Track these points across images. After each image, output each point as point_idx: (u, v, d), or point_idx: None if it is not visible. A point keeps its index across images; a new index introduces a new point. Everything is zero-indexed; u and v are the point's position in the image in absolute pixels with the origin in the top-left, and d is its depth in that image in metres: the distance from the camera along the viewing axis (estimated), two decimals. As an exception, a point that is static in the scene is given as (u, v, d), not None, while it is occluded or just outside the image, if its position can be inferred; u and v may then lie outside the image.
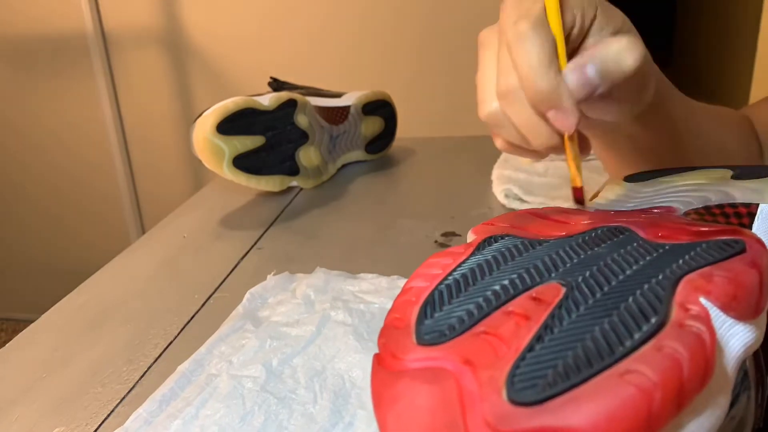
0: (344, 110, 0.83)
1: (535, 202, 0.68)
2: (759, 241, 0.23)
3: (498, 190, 0.71)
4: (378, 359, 0.23)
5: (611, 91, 0.33)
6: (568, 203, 0.66)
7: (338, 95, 0.85)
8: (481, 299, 0.24)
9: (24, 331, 0.51)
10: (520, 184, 0.70)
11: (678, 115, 0.45)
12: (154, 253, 0.63)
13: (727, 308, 0.20)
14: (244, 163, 0.70)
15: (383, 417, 0.21)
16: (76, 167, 1.50)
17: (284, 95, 0.75)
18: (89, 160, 1.48)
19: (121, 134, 1.43)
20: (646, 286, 0.21)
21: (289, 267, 0.57)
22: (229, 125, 0.69)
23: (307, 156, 0.77)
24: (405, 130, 0.95)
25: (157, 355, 0.46)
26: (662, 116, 0.43)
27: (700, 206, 0.28)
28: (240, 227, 0.69)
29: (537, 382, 0.19)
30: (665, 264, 0.22)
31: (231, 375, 0.41)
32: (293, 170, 0.76)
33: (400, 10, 1.16)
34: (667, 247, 0.24)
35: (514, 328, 0.21)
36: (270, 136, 0.73)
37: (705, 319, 0.20)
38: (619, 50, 0.30)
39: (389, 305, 0.47)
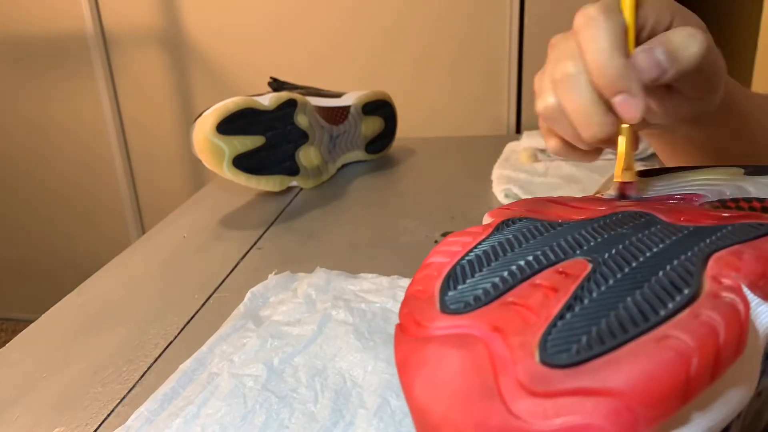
0: (344, 110, 0.83)
1: (535, 202, 0.68)
2: None
3: (498, 190, 0.71)
4: (401, 328, 0.23)
5: (682, 88, 0.33)
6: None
7: (338, 95, 0.85)
8: (506, 273, 0.23)
9: (24, 331, 0.51)
10: (520, 184, 0.70)
11: (745, 111, 0.44)
12: (154, 253, 0.63)
13: (754, 287, 0.20)
14: (244, 163, 0.70)
15: (410, 382, 0.21)
16: (76, 167, 1.50)
17: (284, 95, 0.75)
18: (89, 160, 1.48)
19: (121, 134, 1.43)
20: (675, 262, 0.21)
21: (289, 267, 0.57)
22: (229, 125, 0.69)
23: (307, 156, 0.77)
24: (405, 130, 0.95)
25: (157, 355, 0.46)
26: (728, 115, 0.42)
27: (715, 199, 0.28)
28: (240, 227, 0.69)
29: (571, 346, 0.19)
30: (692, 243, 0.22)
31: (232, 374, 0.41)
32: (293, 170, 0.76)
33: (401, 10, 1.16)
34: (691, 229, 0.24)
35: (543, 299, 0.21)
36: (270, 136, 0.73)
37: (738, 290, 0.19)
38: (686, 36, 0.30)
39: (390, 305, 0.47)
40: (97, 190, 1.50)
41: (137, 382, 0.44)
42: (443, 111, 1.20)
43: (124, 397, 0.42)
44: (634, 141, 0.33)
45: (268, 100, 0.73)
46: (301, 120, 0.76)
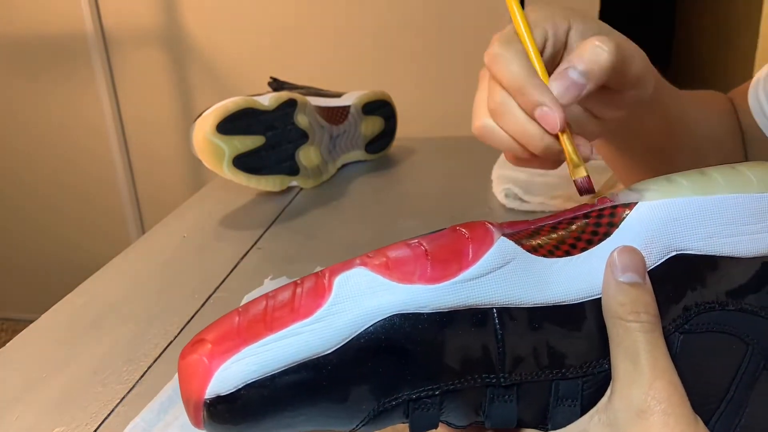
0: (344, 110, 0.83)
1: (534, 201, 0.67)
2: (462, 231, 0.26)
3: (498, 190, 0.71)
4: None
5: (610, 85, 0.36)
6: (569, 203, 0.66)
7: (338, 95, 0.85)
8: None
9: (24, 331, 0.51)
10: (520, 184, 0.70)
11: (672, 106, 0.47)
12: (154, 253, 0.63)
13: (377, 269, 0.25)
14: (244, 163, 0.70)
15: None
16: (76, 167, 1.50)
17: (284, 95, 0.75)
18: (89, 160, 1.48)
19: (121, 134, 1.43)
20: None
21: (288, 267, 0.57)
22: (229, 125, 0.69)
23: (307, 156, 0.77)
24: (405, 130, 0.95)
25: (157, 355, 0.46)
26: (659, 109, 0.45)
27: (585, 211, 0.29)
28: (240, 227, 0.69)
29: None
30: None
31: None
32: (293, 170, 0.76)
33: (401, 10, 1.16)
34: None
35: None
36: (270, 136, 0.73)
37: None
38: (592, 49, 0.33)
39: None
40: (97, 190, 1.50)
41: (137, 382, 0.44)
42: (443, 111, 1.20)
43: (124, 397, 0.42)
44: (583, 148, 0.35)
45: (268, 100, 0.73)
46: (301, 120, 0.76)
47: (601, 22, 0.38)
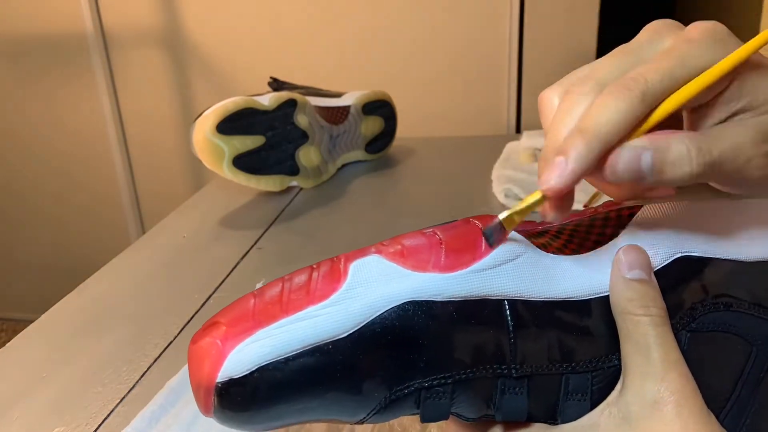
0: (344, 110, 0.83)
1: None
2: (475, 222, 0.26)
3: (498, 190, 0.71)
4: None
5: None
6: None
7: (338, 95, 0.85)
8: None
9: (24, 331, 0.51)
10: (520, 184, 0.70)
11: None
12: (154, 253, 0.63)
13: (391, 257, 0.25)
14: (244, 162, 0.70)
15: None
16: (76, 167, 1.50)
17: (284, 95, 0.75)
18: (89, 159, 1.48)
19: (121, 134, 1.43)
20: None
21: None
22: (229, 125, 0.69)
23: (307, 156, 0.77)
24: (405, 130, 0.95)
25: (157, 355, 0.46)
26: None
27: (591, 215, 0.29)
28: (240, 227, 0.69)
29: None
30: None
31: None
32: (293, 170, 0.76)
33: (401, 10, 1.16)
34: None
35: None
36: (270, 136, 0.73)
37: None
38: (682, 154, 0.25)
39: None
40: (97, 190, 1.50)
41: (137, 382, 0.44)
42: (443, 111, 1.20)
43: (124, 397, 0.42)
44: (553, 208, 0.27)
45: (268, 100, 0.73)
46: (301, 120, 0.76)
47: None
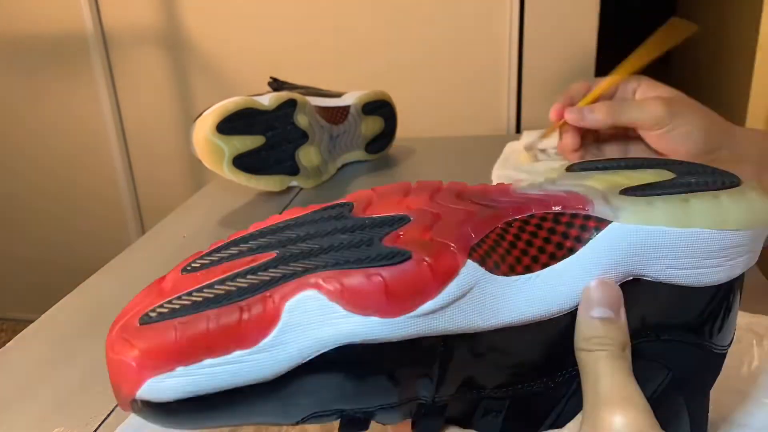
0: (344, 110, 0.83)
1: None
2: (426, 262, 0.24)
3: (498, 190, 0.71)
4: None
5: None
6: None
7: (338, 95, 0.85)
8: (216, 257, 0.28)
9: (24, 331, 0.51)
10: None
11: None
12: (154, 253, 0.63)
13: (331, 296, 0.24)
14: (244, 162, 0.70)
15: None
16: (76, 167, 1.50)
17: (284, 95, 0.75)
18: (89, 159, 1.48)
19: (121, 134, 1.43)
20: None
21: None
22: (229, 125, 0.69)
23: (307, 156, 0.77)
24: (405, 130, 0.94)
25: (157, 355, 0.46)
26: None
27: (559, 210, 0.27)
28: (240, 227, 0.69)
29: (148, 316, 0.25)
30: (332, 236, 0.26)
31: None
32: (293, 170, 0.76)
33: (401, 10, 1.16)
34: (351, 223, 0.27)
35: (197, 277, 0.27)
36: (270, 136, 0.73)
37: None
38: (600, 106, 0.44)
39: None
40: (97, 190, 1.50)
41: (137, 382, 0.44)
42: (443, 111, 1.20)
43: (124, 397, 0.42)
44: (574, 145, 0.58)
45: (268, 100, 0.73)
46: (301, 120, 0.76)
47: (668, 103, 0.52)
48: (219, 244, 0.29)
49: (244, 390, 0.24)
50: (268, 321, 0.23)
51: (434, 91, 1.19)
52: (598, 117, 0.54)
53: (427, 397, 0.26)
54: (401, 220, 0.26)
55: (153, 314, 0.25)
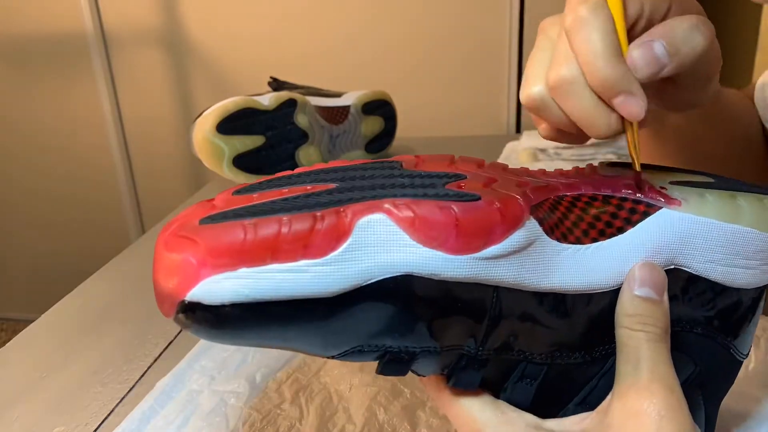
0: (344, 110, 0.83)
1: (535, 201, 0.67)
2: (496, 205, 0.24)
3: (498, 189, 0.71)
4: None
5: (679, 79, 0.31)
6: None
7: (338, 95, 0.85)
8: (269, 184, 0.27)
9: (24, 331, 0.51)
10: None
11: (722, 103, 0.44)
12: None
13: (401, 223, 0.23)
14: (244, 162, 0.70)
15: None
16: (76, 167, 1.50)
17: (284, 95, 0.75)
18: (89, 160, 1.48)
19: (121, 134, 1.43)
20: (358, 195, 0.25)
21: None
22: (229, 125, 0.69)
23: (307, 155, 0.77)
24: (405, 130, 0.94)
25: (157, 355, 0.46)
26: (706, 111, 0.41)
27: (608, 193, 0.28)
28: (240, 227, 0.69)
29: (222, 218, 0.24)
30: (392, 180, 0.26)
31: (213, 391, 0.40)
32: (293, 170, 0.76)
33: (401, 9, 1.16)
34: (407, 173, 0.27)
35: (265, 195, 0.26)
36: (270, 136, 0.73)
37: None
38: (690, 27, 0.28)
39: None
40: (97, 190, 1.50)
41: (137, 381, 0.44)
42: (443, 111, 1.20)
43: (123, 397, 0.42)
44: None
45: (268, 99, 0.73)
46: (301, 120, 0.76)
47: (702, 10, 0.32)
48: (265, 179, 0.27)
49: (302, 304, 0.23)
50: (340, 234, 0.23)
51: (434, 91, 1.19)
52: (697, 45, 0.29)
53: (472, 348, 0.26)
54: (457, 176, 0.27)
55: (216, 216, 0.24)
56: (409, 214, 0.23)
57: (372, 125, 0.86)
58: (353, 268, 0.23)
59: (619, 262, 0.27)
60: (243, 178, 0.71)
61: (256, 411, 0.38)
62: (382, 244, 0.23)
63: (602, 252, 0.27)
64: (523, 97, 0.31)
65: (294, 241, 0.23)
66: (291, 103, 0.75)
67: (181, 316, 0.23)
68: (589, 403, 0.27)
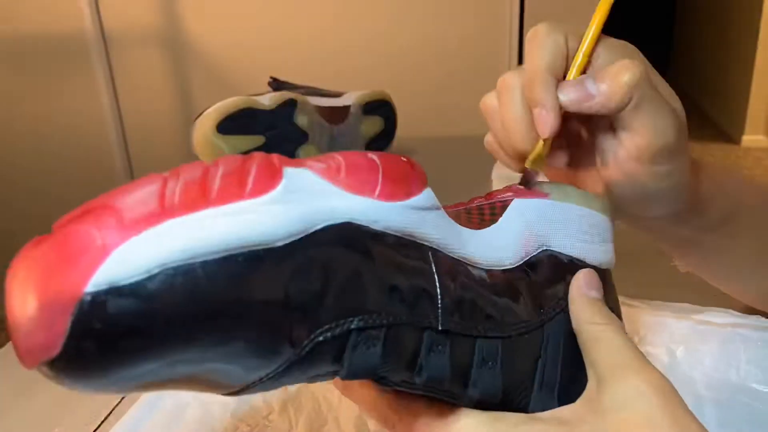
0: (344, 110, 0.83)
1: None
2: (406, 160, 0.27)
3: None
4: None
5: (627, 142, 0.33)
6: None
7: (338, 95, 0.85)
8: None
9: (24, 330, 0.51)
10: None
11: (758, 210, 0.40)
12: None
13: (326, 174, 0.22)
14: (244, 162, 0.70)
15: None
16: (76, 167, 1.50)
17: (284, 95, 0.75)
18: (89, 159, 1.48)
19: (121, 134, 1.43)
20: None
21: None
22: (229, 125, 0.69)
23: (307, 155, 0.77)
24: (405, 130, 0.95)
25: (157, 355, 0.46)
26: (726, 213, 0.38)
27: (480, 203, 0.32)
28: (240, 227, 0.69)
29: None
30: None
31: (200, 402, 0.39)
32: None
33: (401, 10, 1.16)
34: None
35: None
36: (270, 136, 0.73)
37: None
38: (619, 66, 0.31)
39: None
40: (97, 190, 1.50)
41: (137, 381, 0.44)
42: (443, 111, 1.20)
43: (123, 397, 0.42)
44: (554, 158, 0.37)
45: (268, 99, 0.73)
46: (301, 119, 0.76)
47: (661, 81, 0.34)
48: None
49: (252, 256, 0.19)
50: (273, 173, 0.21)
51: (434, 91, 1.19)
52: (622, 84, 0.31)
53: (433, 317, 0.25)
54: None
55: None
56: (331, 163, 0.23)
57: (372, 125, 0.86)
58: (298, 208, 0.21)
59: (507, 238, 0.30)
60: (243, 178, 0.71)
61: (243, 422, 0.38)
62: (316, 192, 0.22)
63: (491, 233, 0.29)
64: (481, 103, 0.37)
65: (228, 179, 0.19)
66: (291, 103, 0.75)
67: (70, 332, 0.15)
68: (548, 384, 0.28)
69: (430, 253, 0.26)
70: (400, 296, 0.23)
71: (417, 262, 0.25)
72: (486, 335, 0.27)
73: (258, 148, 0.71)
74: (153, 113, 1.39)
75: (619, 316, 0.32)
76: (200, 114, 0.69)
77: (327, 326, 0.21)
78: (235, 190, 0.19)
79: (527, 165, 0.35)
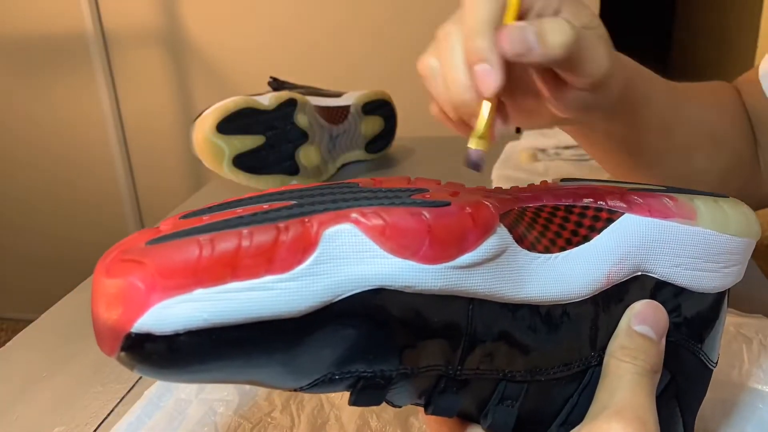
0: (344, 110, 0.83)
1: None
2: (467, 211, 0.23)
3: (498, 189, 0.71)
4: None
5: (567, 78, 0.34)
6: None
7: (338, 95, 0.85)
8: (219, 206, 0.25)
9: (24, 331, 0.51)
10: (520, 184, 0.70)
11: (663, 105, 0.44)
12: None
13: (370, 233, 0.22)
14: (244, 162, 0.70)
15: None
16: (76, 167, 1.50)
17: (284, 95, 0.75)
18: (89, 159, 1.48)
19: (121, 134, 1.43)
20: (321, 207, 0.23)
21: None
22: (229, 125, 0.69)
23: (307, 155, 0.77)
24: (405, 129, 0.94)
25: (157, 355, 0.46)
26: (642, 109, 0.42)
27: (569, 203, 0.28)
28: (240, 227, 0.69)
29: (174, 237, 0.22)
30: (351, 196, 0.24)
31: (201, 399, 0.39)
32: (293, 170, 0.76)
33: (401, 9, 1.16)
34: (367, 189, 0.26)
35: (220, 216, 0.23)
36: (270, 136, 0.73)
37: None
38: (556, 25, 0.31)
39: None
40: (97, 189, 1.50)
41: (137, 381, 0.44)
42: (443, 111, 1.20)
43: (123, 397, 0.42)
44: (505, 117, 0.35)
45: (268, 99, 0.73)
46: (301, 119, 0.76)
47: (596, 16, 0.36)
48: (215, 203, 0.25)
49: (267, 327, 0.21)
50: (306, 246, 0.21)
51: (434, 91, 1.19)
52: (564, 36, 0.31)
53: (451, 367, 0.24)
54: (420, 190, 0.26)
55: (166, 237, 0.22)
56: (378, 222, 0.22)
57: (372, 125, 0.86)
58: (322, 282, 0.21)
59: (590, 269, 0.26)
60: (243, 178, 0.71)
61: (246, 420, 0.38)
62: (352, 255, 0.22)
63: (571, 260, 0.26)
64: (419, 63, 0.36)
65: (256, 255, 0.20)
66: (291, 103, 0.75)
67: (124, 354, 0.20)
68: (572, 423, 0.26)
69: (470, 307, 0.24)
70: (416, 352, 0.24)
71: (449, 319, 0.24)
72: (512, 380, 0.26)
73: (258, 148, 0.71)
74: (153, 113, 1.39)
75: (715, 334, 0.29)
76: (200, 114, 0.69)
77: (336, 372, 0.23)
78: (262, 265, 0.21)
79: (471, 145, 0.33)
